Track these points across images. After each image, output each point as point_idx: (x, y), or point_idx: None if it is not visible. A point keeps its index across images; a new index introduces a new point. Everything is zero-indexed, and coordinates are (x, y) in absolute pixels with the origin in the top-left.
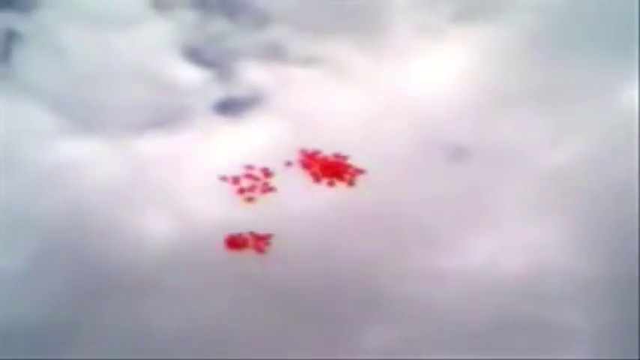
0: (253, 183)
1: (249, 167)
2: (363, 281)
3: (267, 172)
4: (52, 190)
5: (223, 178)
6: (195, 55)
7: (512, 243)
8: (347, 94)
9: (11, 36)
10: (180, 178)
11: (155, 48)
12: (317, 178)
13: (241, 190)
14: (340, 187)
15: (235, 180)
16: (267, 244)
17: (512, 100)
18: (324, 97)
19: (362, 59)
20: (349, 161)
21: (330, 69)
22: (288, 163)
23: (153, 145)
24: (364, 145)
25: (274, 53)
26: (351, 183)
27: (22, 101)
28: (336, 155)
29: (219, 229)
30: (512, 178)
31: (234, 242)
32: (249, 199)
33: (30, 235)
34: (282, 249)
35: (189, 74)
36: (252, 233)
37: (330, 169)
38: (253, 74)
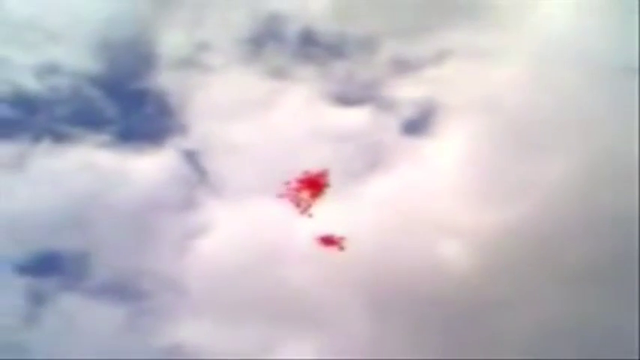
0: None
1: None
2: None
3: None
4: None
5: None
6: (345, 100)
7: None
8: (506, 73)
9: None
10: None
11: (313, 110)
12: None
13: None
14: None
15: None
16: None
17: None
18: (492, 84)
19: (489, 37)
20: None
21: (471, 57)
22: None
23: (383, 187)
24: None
25: (407, 66)
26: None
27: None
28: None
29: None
30: None
31: (325, 240)
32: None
33: None
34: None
35: (359, 116)
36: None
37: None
38: (408, 92)
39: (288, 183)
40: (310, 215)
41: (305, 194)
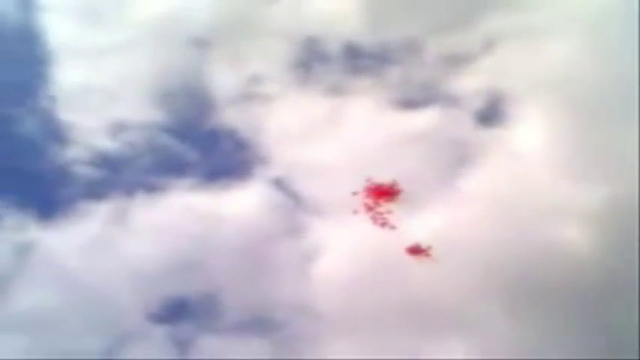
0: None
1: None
2: None
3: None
4: None
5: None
6: (408, 103)
7: None
8: (560, 47)
9: None
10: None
11: (382, 118)
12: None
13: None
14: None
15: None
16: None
17: None
18: (549, 61)
19: (534, 15)
20: None
21: (521, 38)
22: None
23: (477, 183)
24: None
25: (459, 59)
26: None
27: None
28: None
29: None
30: None
31: (414, 250)
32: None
33: None
34: None
35: (429, 117)
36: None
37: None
38: (468, 84)
39: (361, 196)
40: (393, 227)
41: (381, 205)
